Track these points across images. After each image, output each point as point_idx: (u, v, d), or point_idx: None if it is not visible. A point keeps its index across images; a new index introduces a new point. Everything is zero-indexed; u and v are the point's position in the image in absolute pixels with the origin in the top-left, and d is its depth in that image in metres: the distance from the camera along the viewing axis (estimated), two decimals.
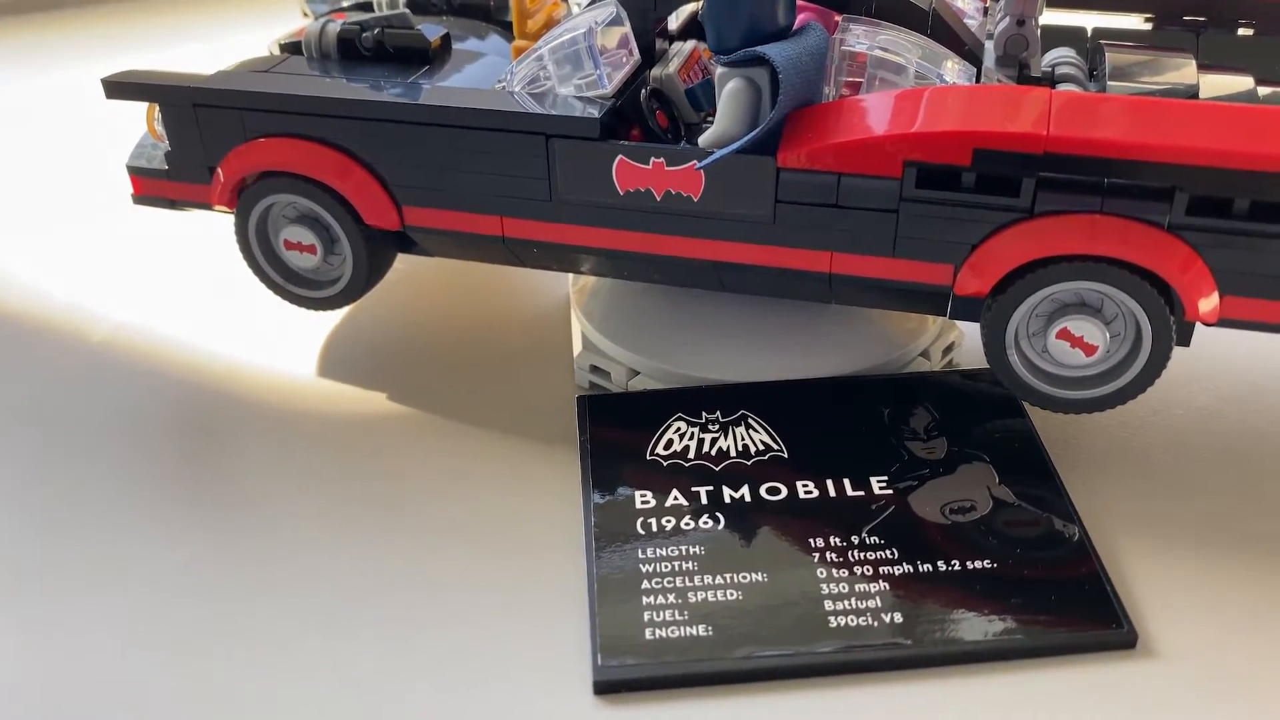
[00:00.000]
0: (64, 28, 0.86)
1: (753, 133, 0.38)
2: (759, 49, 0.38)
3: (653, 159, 0.40)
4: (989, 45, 0.44)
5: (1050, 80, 0.42)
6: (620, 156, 0.41)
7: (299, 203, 0.45)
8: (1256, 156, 0.34)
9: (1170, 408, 0.45)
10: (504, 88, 0.44)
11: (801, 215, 0.40)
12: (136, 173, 0.48)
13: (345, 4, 0.55)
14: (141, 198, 0.49)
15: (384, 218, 0.45)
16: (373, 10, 0.53)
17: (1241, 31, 0.47)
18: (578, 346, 0.49)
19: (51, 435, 0.47)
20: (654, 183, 0.41)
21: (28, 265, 0.60)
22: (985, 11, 0.47)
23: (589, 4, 0.47)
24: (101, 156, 0.63)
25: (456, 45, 0.48)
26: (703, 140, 0.40)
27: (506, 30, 0.51)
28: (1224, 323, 0.38)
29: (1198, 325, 0.39)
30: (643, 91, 0.43)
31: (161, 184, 0.48)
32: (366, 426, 0.47)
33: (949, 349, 0.48)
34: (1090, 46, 0.45)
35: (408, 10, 0.47)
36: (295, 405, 0.48)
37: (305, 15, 0.58)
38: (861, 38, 0.40)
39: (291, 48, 0.48)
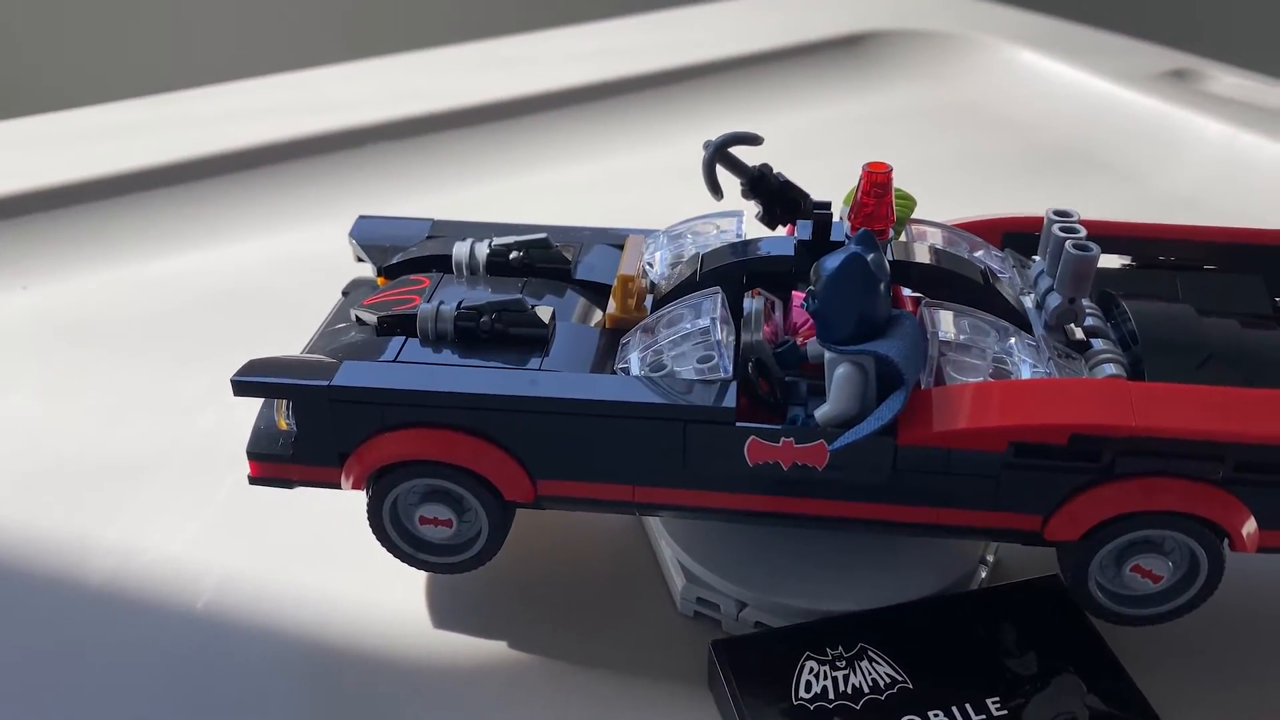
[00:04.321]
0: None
1: (880, 420, 0.44)
2: (880, 350, 0.44)
3: (783, 439, 0.46)
4: (1030, 306, 0.52)
5: (1085, 335, 0.50)
6: (752, 437, 0.46)
7: (432, 482, 0.49)
8: None
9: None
10: (624, 370, 0.48)
11: (915, 480, 0.46)
12: (257, 458, 0.50)
13: (403, 257, 0.58)
14: (260, 479, 0.51)
15: (521, 493, 0.48)
16: (446, 262, 0.56)
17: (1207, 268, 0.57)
18: (678, 578, 0.53)
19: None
20: (782, 457, 0.46)
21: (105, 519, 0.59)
22: (1008, 264, 0.55)
23: (675, 280, 0.52)
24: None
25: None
26: (820, 416, 0.46)
27: (581, 286, 0.56)
28: (1262, 549, 0.46)
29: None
30: (749, 366, 0.49)
31: (284, 467, 0.50)
32: (487, 678, 0.50)
33: (994, 550, 0.56)
34: (1096, 292, 0.54)
35: (522, 295, 0.51)
36: (414, 660, 0.51)
37: (360, 260, 0.60)
38: (949, 327, 0.47)
39: (391, 324, 0.51)
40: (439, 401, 0.47)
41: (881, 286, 0.45)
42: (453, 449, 0.47)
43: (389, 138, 0.91)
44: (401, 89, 1.03)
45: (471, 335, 0.50)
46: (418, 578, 0.55)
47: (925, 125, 1.05)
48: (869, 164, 0.49)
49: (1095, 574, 0.47)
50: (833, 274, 0.45)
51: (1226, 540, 0.46)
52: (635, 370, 0.48)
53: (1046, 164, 0.98)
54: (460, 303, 0.50)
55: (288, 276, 0.73)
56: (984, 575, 0.54)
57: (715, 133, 0.54)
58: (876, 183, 0.49)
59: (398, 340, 0.50)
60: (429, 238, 0.60)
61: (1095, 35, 1.16)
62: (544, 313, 0.50)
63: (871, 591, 0.51)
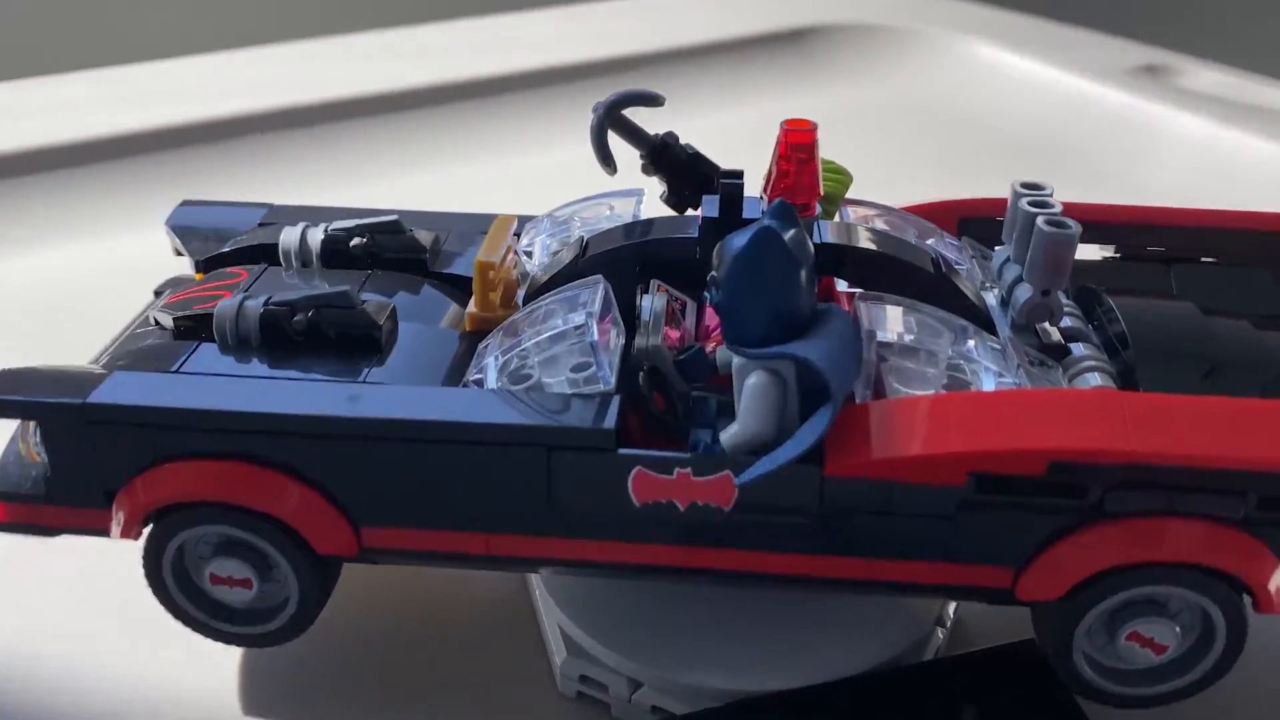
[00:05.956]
0: None
1: (800, 445, 0.34)
2: (799, 354, 0.34)
3: (677, 470, 0.35)
4: (993, 304, 0.41)
5: (1062, 338, 0.40)
6: (638, 468, 0.35)
7: (226, 531, 0.37)
8: None
9: None
10: (477, 382, 0.38)
11: (849, 523, 0.36)
12: (2, 498, 0.39)
13: (230, 247, 0.47)
14: (8, 525, 0.39)
15: (340, 544, 0.37)
16: (276, 252, 0.46)
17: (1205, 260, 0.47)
18: (559, 650, 0.42)
19: None
20: (678, 494, 0.36)
21: None
22: (966, 254, 0.45)
23: (552, 269, 0.42)
24: None
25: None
26: (726, 439, 0.36)
27: (441, 280, 0.45)
28: None
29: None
30: (640, 376, 0.38)
31: (36, 509, 0.38)
32: None
33: (954, 610, 0.45)
34: (1074, 287, 0.44)
35: (348, 288, 0.40)
36: None
37: (179, 254, 0.49)
38: (892, 325, 0.37)
39: (189, 327, 0.40)
40: (227, 424, 0.36)
41: (802, 272, 0.35)
42: (245, 487, 0.36)
43: (243, 131, 0.81)
44: (269, 80, 0.94)
45: (283, 338, 0.39)
46: (226, 651, 0.43)
47: (880, 122, 0.97)
48: (788, 121, 0.39)
49: (1082, 643, 0.37)
50: (739, 254, 0.35)
51: (1249, 598, 0.36)
52: (491, 382, 0.38)
53: (1008, 161, 0.90)
54: (268, 298, 0.39)
55: (110, 283, 0.62)
56: (942, 640, 0.44)
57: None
58: (796, 145, 0.38)
59: (190, 346, 0.39)
60: (261, 225, 0.49)
61: (1056, 29, 1.11)
62: (379, 310, 0.39)
63: (801, 666, 0.41)
